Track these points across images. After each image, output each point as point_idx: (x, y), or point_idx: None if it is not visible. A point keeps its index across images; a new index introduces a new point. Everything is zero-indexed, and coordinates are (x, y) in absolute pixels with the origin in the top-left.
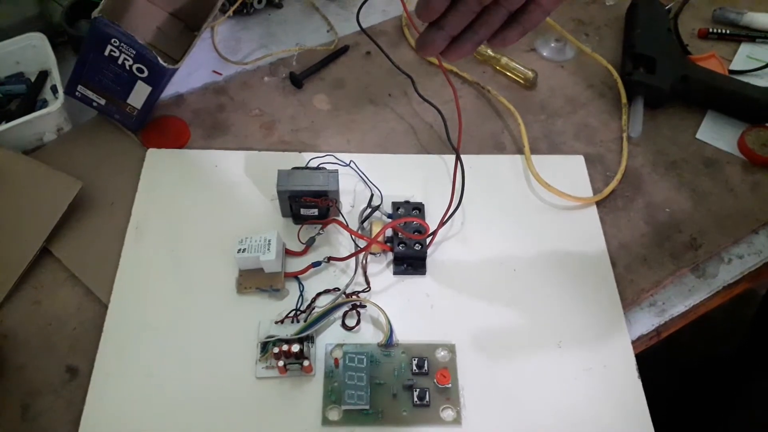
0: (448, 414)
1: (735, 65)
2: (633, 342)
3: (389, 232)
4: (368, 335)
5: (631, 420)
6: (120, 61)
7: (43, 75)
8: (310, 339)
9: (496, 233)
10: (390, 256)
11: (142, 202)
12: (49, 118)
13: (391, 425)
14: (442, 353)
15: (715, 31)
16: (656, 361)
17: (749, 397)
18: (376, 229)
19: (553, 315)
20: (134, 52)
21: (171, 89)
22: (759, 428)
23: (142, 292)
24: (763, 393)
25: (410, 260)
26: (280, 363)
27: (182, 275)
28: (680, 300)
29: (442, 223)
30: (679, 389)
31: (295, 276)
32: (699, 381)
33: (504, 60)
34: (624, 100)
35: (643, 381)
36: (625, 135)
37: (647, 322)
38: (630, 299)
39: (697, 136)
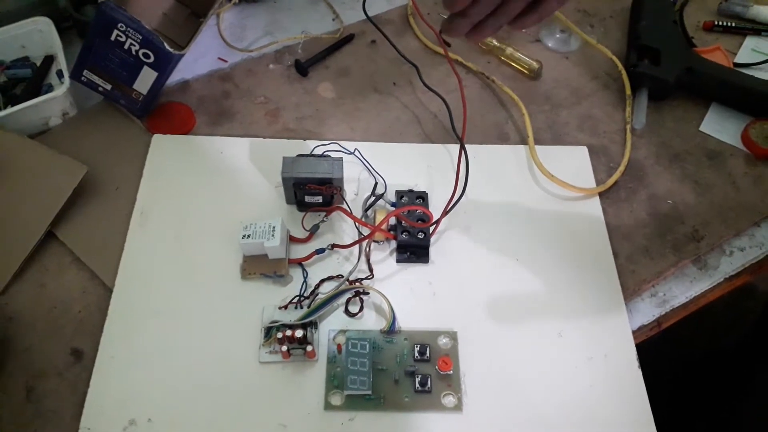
0: (449, 400)
1: (740, 58)
2: (634, 332)
3: (393, 221)
4: (371, 322)
5: (631, 409)
6: (126, 47)
7: (49, 60)
8: (314, 325)
9: (499, 223)
10: (393, 244)
11: (147, 187)
12: (54, 103)
13: (392, 411)
14: (444, 340)
15: (720, 23)
16: (658, 354)
17: (752, 390)
18: (379, 217)
19: (554, 304)
20: (141, 38)
21: (176, 76)
22: (760, 421)
23: (146, 276)
24: (765, 386)
25: (413, 248)
26: (284, 348)
27: (187, 260)
28: (681, 291)
29: (445, 212)
30: (681, 382)
31: (299, 262)
32: (700, 373)
33: (509, 50)
34: (628, 91)
35: (644, 373)
36: (628, 126)
37: (648, 312)
38: (631, 289)
39: (701, 128)
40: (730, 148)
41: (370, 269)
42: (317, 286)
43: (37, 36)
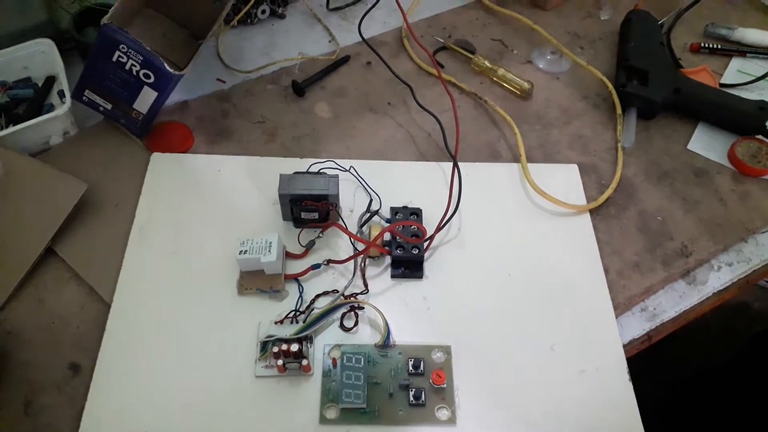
0: (443, 413)
1: (726, 79)
2: (624, 346)
3: (387, 236)
4: (366, 336)
5: (623, 422)
6: (127, 67)
7: (51, 80)
8: (309, 339)
9: (491, 239)
10: (388, 259)
11: (146, 204)
12: (56, 122)
13: (387, 424)
14: (438, 354)
15: (706, 45)
16: (652, 373)
17: (744, 407)
18: (374, 233)
19: (546, 319)
20: (141, 58)
21: (176, 96)
22: None
23: (144, 291)
24: (755, 404)
25: (408, 264)
26: (279, 362)
27: (184, 276)
28: (671, 306)
29: (439, 228)
30: (674, 400)
31: (295, 278)
32: (694, 392)
33: (501, 71)
34: (619, 111)
35: (638, 391)
36: (620, 145)
37: (638, 326)
38: (622, 304)
39: (689, 147)
40: (717, 165)
41: (365, 284)
42: (313, 301)
43: (40, 57)
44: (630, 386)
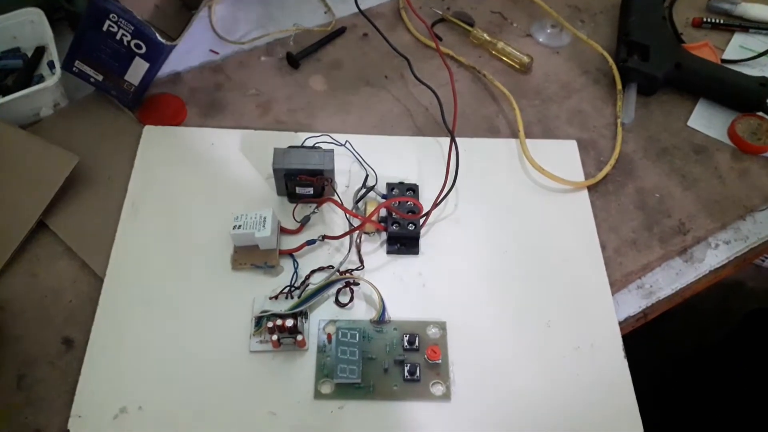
0: (437, 389)
1: (728, 54)
2: (620, 323)
3: (383, 212)
4: (361, 312)
5: (617, 397)
6: (118, 37)
7: (40, 50)
8: (304, 314)
9: (488, 215)
10: (384, 235)
11: (139, 178)
12: (45, 93)
13: (382, 399)
14: (433, 330)
15: (709, 20)
16: (648, 351)
17: (737, 385)
18: (370, 209)
19: (542, 295)
20: (132, 28)
21: (168, 67)
22: (745, 415)
23: (137, 266)
24: (748, 382)
25: (403, 240)
26: (274, 337)
27: (177, 251)
28: (667, 283)
29: (435, 204)
30: (669, 377)
31: (290, 253)
32: (688, 370)
33: (500, 45)
34: (619, 86)
35: (633, 369)
36: (619, 121)
37: (635, 304)
38: (618, 281)
39: (689, 123)
40: (717, 142)
41: (361, 260)
42: (308, 276)
43: (29, 27)
44: (625, 363)
